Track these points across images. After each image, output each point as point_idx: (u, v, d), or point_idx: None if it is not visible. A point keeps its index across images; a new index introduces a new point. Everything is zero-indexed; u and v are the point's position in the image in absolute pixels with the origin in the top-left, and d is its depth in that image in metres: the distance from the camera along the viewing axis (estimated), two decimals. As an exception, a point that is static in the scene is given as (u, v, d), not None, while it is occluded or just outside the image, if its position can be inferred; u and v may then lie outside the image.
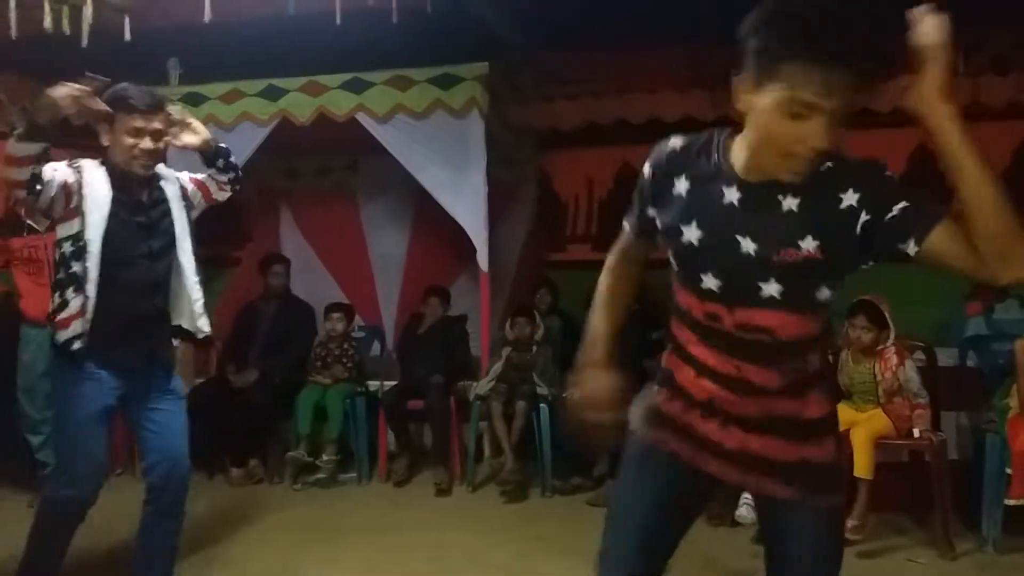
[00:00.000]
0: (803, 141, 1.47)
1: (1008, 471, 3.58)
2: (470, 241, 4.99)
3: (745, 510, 3.76)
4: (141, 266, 2.77)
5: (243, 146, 5.30)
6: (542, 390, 4.74)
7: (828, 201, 1.52)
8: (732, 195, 1.62)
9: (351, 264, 6.45)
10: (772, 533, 1.81)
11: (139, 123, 2.75)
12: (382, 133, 5.08)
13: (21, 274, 4.69)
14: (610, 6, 4.44)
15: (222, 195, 3.15)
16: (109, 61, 4.53)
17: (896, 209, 1.49)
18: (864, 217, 1.51)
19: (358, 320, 5.49)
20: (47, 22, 3.72)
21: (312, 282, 6.23)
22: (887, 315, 3.88)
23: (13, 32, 3.82)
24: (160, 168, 2.91)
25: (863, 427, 3.75)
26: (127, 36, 3.88)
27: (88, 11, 3.71)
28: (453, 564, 3.56)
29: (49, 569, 2.87)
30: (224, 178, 3.10)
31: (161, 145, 2.83)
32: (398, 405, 4.93)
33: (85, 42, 3.76)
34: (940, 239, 1.46)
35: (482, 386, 4.80)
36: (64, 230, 2.74)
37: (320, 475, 4.80)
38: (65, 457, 2.83)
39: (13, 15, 3.75)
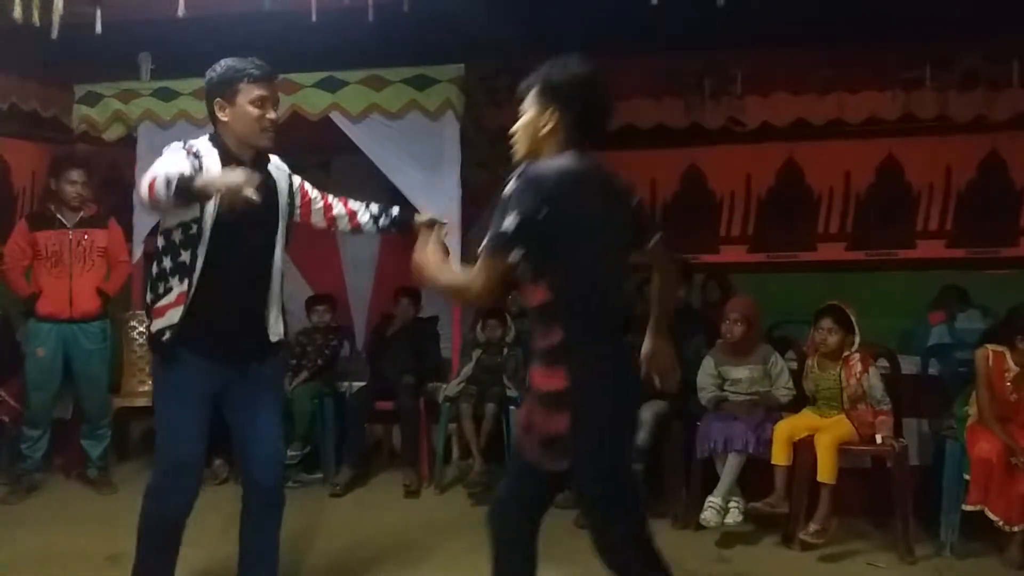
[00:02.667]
0: None
1: (966, 477, 3.66)
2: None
3: (710, 513, 3.80)
4: (245, 255, 2.69)
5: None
6: (512, 392, 4.75)
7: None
8: None
9: (322, 263, 6.40)
10: None
11: (263, 91, 2.67)
12: (356, 133, 5.06)
13: (41, 269, 4.67)
14: (587, 13, 4.48)
15: (325, 224, 3.16)
16: (80, 54, 4.51)
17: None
18: None
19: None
20: (16, 12, 3.66)
21: (284, 281, 6.18)
22: (853, 319, 3.94)
23: (-20, 22, 3.76)
24: (273, 158, 2.83)
25: (827, 433, 3.81)
26: (98, 29, 3.84)
27: (59, 2, 3.66)
28: (422, 567, 3.56)
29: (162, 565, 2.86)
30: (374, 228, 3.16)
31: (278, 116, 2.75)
32: (367, 406, 4.91)
33: (55, 34, 3.71)
34: None
35: (452, 388, 4.81)
36: (173, 218, 2.61)
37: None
38: (164, 449, 2.76)
39: (-18, 5, 3.70)
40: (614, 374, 2.16)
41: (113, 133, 5.46)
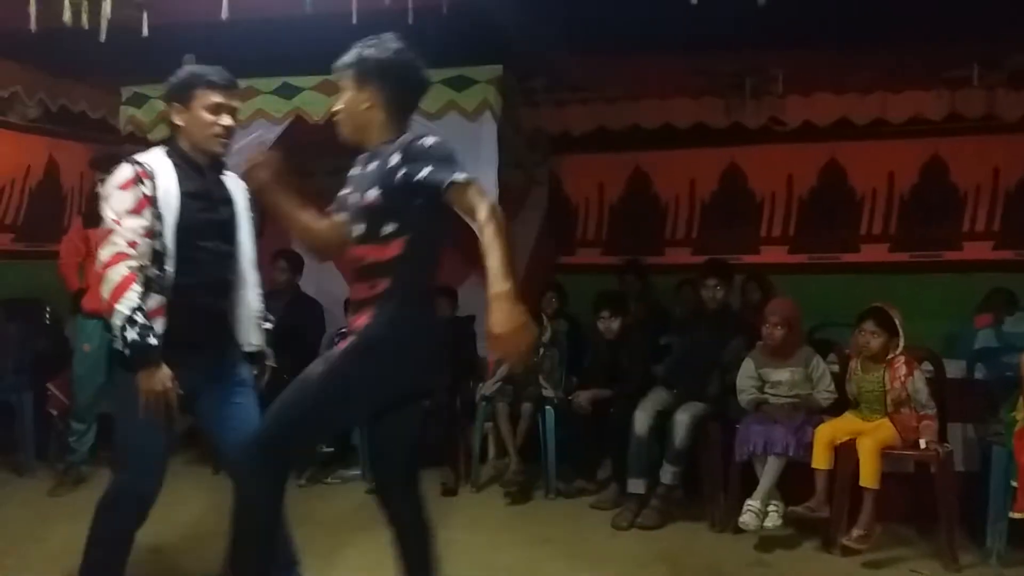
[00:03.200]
0: None
1: (1014, 484, 3.56)
2: (479, 243, 5.00)
3: (748, 517, 3.76)
4: (210, 263, 2.71)
5: (256, 143, 5.35)
6: (547, 392, 4.75)
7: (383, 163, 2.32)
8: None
9: (360, 264, 6.46)
10: None
11: (218, 99, 2.71)
12: (395, 133, 5.09)
13: (91, 266, 4.79)
14: (625, 12, 4.46)
15: None
16: (126, 56, 4.60)
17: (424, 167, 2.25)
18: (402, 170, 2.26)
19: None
20: (66, 16, 3.75)
21: (322, 280, 6.24)
22: (896, 321, 3.87)
23: (32, 25, 3.85)
24: (229, 171, 2.86)
25: (870, 436, 3.75)
26: (145, 32, 3.92)
27: (107, 6, 3.74)
28: (458, 565, 3.55)
29: (111, 570, 2.83)
30: None
31: (235, 124, 2.78)
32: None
33: (103, 37, 3.79)
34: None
35: (488, 387, 4.82)
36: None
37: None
38: (126, 450, 2.79)
39: (33, 8, 3.79)
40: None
41: (158, 133, 5.54)
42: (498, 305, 2.17)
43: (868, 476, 3.67)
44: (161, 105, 5.39)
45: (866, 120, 5.73)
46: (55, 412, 4.98)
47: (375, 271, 2.36)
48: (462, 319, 5.33)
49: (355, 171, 2.53)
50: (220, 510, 4.23)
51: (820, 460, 3.78)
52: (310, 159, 6.49)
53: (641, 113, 5.98)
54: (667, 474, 4.13)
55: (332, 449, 4.87)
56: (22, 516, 4.21)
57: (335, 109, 2.52)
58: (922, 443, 3.75)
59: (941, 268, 6.15)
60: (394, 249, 2.34)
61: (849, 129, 5.81)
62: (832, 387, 4.05)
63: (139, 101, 5.49)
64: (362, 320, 2.34)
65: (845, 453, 3.77)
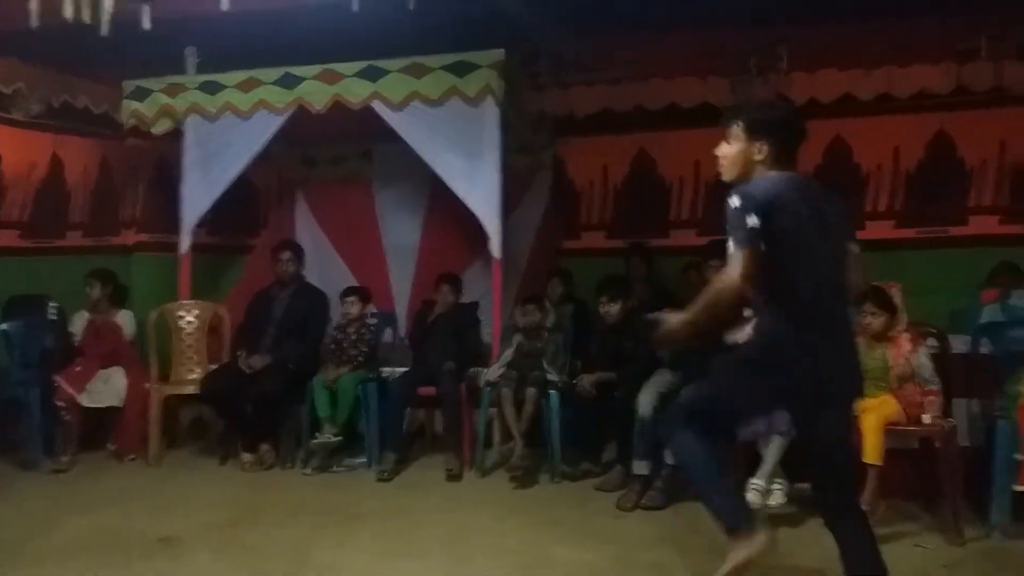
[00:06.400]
0: None
1: (1018, 458, 3.57)
2: (483, 229, 5.02)
3: (753, 495, 3.76)
4: None
5: (259, 134, 5.38)
6: (552, 377, 4.76)
7: None
8: None
9: (365, 251, 6.48)
10: None
11: None
12: (397, 121, 5.11)
13: None
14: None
15: None
16: (128, 50, 4.62)
17: None
18: None
19: (371, 307, 5.52)
20: (67, 11, 3.77)
21: (326, 269, 6.27)
22: (895, 300, 3.86)
23: (33, 22, 3.87)
24: None
25: (874, 413, 3.73)
26: (146, 25, 3.93)
27: (108, 0, 3.75)
28: (467, 549, 3.60)
29: None
30: None
31: None
32: (409, 391, 4.97)
33: (105, 31, 3.81)
34: None
35: (492, 373, 4.83)
36: None
37: (324, 439, 4.83)
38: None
39: (34, 5, 3.82)
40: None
41: (161, 127, 5.60)
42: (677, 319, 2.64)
43: (872, 452, 3.66)
44: (163, 98, 5.46)
45: (871, 96, 5.69)
46: (62, 404, 5.04)
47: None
48: (466, 306, 5.35)
49: None
50: (226, 500, 4.31)
51: (824, 438, 3.77)
52: (313, 148, 6.55)
53: (645, 94, 5.95)
54: (671, 455, 4.14)
55: (340, 438, 4.91)
56: (38, 508, 4.26)
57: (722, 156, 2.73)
58: (926, 419, 3.75)
59: (947, 243, 6.09)
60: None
61: (854, 105, 5.77)
62: (836, 365, 4.04)
63: (141, 95, 5.53)
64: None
65: (849, 431, 3.77)
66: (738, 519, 2.63)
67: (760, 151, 2.59)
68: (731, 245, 2.46)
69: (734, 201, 2.46)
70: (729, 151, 2.68)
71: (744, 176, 2.66)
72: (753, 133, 2.61)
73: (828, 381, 2.55)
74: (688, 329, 2.59)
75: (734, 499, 2.75)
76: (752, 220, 2.40)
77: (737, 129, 2.65)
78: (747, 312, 2.71)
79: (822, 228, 2.51)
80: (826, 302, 2.53)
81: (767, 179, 2.54)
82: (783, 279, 2.49)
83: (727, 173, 2.70)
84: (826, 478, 2.64)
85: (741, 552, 2.57)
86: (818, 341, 2.51)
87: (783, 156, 2.59)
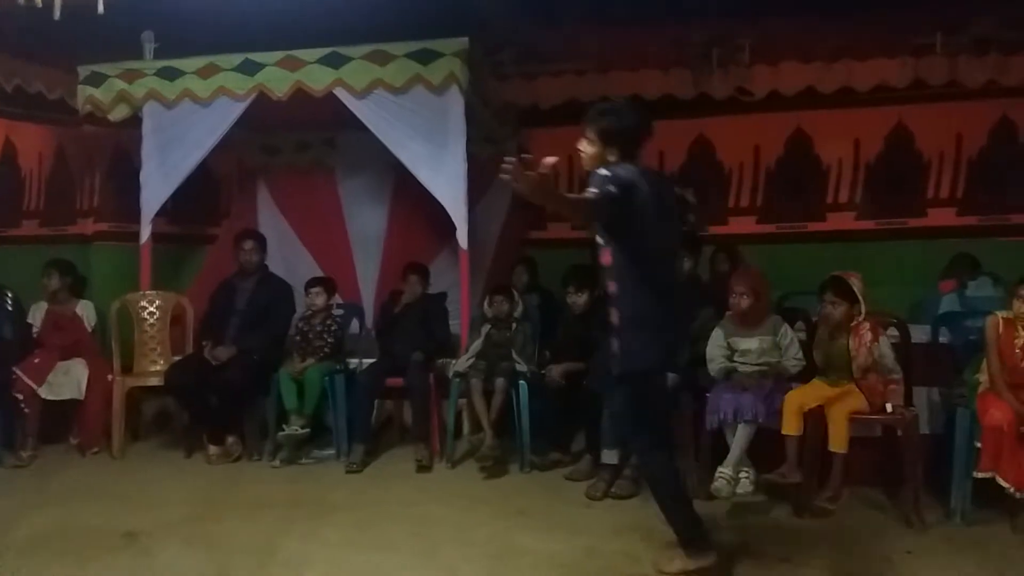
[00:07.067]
0: None
1: (977, 445, 3.66)
2: (450, 218, 4.99)
3: (720, 484, 3.80)
4: None
5: (219, 121, 5.27)
6: (521, 367, 4.76)
7: None
8: None
9: (329, 241, 6.41)
10: None
11: None
12: (360, 108, 5.05)
13: None
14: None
15: None
16: (83, 34, 4.49)
17: None
18: None
19: (336, 298, 5.46)
20: (19, -8, 3.65)
21: (290, 259, 6.19)
22: (855, 289, 3.92)
23: (-16, 4, 3.75)
24: None
25: (838, 402, 3.81)
26: (100, 8, 3.82)
27: (61, -18, 3.65)
28: (436, 540, 3.59)
29: None
30: None
31: None
32: (376, 383, 4.94)
33: (58, 14, 3.70)
34: None
35: (461, 363, 4.82)
36: None
37: (291, 431, 4.77)
38: None
39: (-17, -13, 3.69)
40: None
41: (118, 114, 5.46)
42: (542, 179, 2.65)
43: (837, 441, 3.74)
44: (120, 84, 5.32)
45: (832, 89, 5.77)
46: (21, 396, 4.92)
47: (606, 274, 3.08)
48: (433, 296, 5.32)
49: None
50: (192, 494, 4.25)
51: (790, 426, 3.83)
52: (276, 136, 6.45)
53: (610, 85, 5.96)
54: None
55: (308, 429, 4.86)
56: (1, 503, 4.17)
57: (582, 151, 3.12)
58: (889, 407, 3.82)
59: (906, 235, 6.24)
60: (606, 258, 3.07)
61: (815, 98, 5.85)
62: (800, 355, 4.10)
63: (97, 80, 5.38)
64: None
65: (814, 419, 3.83)
66: (695, 533, 3.10)
67: (612, 153, 3.02)
68: (591, 190, 2.86)
69: (602, 171, 2.90)
70: (588, 150, 3.09)
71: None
72: (606, 141, 3.03)
73: (674, 343, 3.22)
74: (551, 198, 2.77)
75: (694, 513, 3.13)
76: (612, 188, 2.82)
77: (592, 135, 3.07)
78: (611, 288, 3.04)
79: (663, 209, 3.01)
80: (668, 275, 3.10)
81: (623, 167, 2.95)
82: (637, 254, 2.98)
83: (587, 166, 3.09)
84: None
85: (691, 563, 3.07)
86: (667, 310, 3.01)
87: (632, 153, 3.04)
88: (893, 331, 4.11)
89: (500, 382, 4.69)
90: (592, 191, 2.81)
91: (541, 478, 4.55)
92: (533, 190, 2.55)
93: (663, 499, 3.11)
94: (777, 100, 5.91)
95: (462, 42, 4.89)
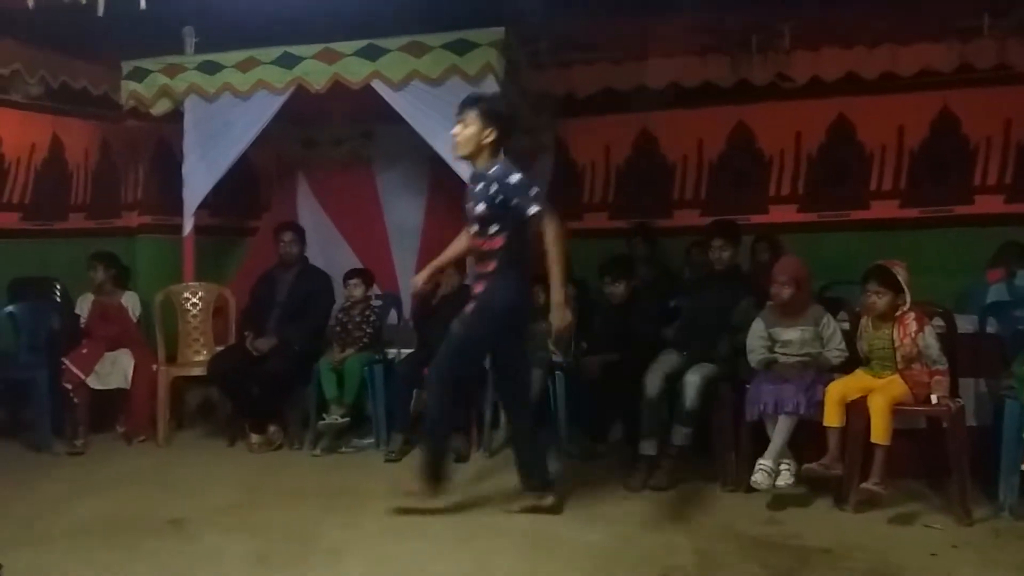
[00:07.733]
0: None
1: (1026, 437, 3.58)
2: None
3: (760, 476, 3.77)
4: None
5: (259, 114, 5.33)
6: (557, 358, 4.75)
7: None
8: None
9: (368, 232, 6.46)
10: None
11: None
12: (397, 100, 5.06)
13: None
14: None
15: None
16: (126, 30, 4.57)
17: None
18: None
19: (375, 289, 5.50)
20: (63, -9, 3.72)
21: (329, 251, 6.25)
22: (900, 279, 3.84)
23: (30, 2, 3.83)
24: None
25: (881, 393, 3.74)
26: (142, 4, 3.88)
27: (104, -20, 3.71)
28: (472, 529, 3.60)
29: None
30: None
31: None
32: (414, 373, 4.96)
33: (101, 11, 3.76)
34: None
35: (499, 354, 4.82)
36: None
37: (331, 420, 4.84)
38: None
39: (30, -15, 3.77)
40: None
41: (160, 108, 5.55)
42: (558, 308, 3.47)
43: (879, 432, 3.67)
44: (162, 78, 5.41)
45: (875, 74, 5.64)
46: (70, 386, 5.03)
47: (488, 256, 3.55)
48: (470, 286, 5.31)
49: (471, 189, 3.59)
50: (235, 482, 4.32)
51: (832, 418, 3.78)
52: (314, 129, 6.51)
53: (647, 73, 5.91)
54: (678, 435, 4.15)
55: (348, 419, 4.91)
56: (49, 490, 4.27)
57: (456, 133, 3.52)
58: (934, 399, 3.74)
59: (952, 223, 6.08)
60: (498, 241, 3.52)
61: (857, 84, 5.73)
62: (843, 345, 4.03)
63: (140, 75, 5.47)
64: (480, 287, 3.60)
65: (856, 410, 3.77)
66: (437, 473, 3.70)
67: (489, 136, 3.30)
68: (534, 206, 3.34)
69: (517, 175, 3.33)
70: (465, 132, 3.35)
71: (475, 155, 3.50)
72: (487, 120, 3.30)
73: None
74: (562, 292, 3.44)
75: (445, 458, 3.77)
76: (535, 189, 3.26)
77: (473, 115, 3.32)
78: (491, 267, 3.51)
79: None
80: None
81: (505, 164, 3.32)
82: (522, 243, 3.49)
83: (461, 150, 3.44)
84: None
85: (420, 487, 3.65)
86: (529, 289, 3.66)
87: (503, 143, 3.33)
88: (938, 321, 4.02)
89: (537, 373, 4.68)
90: (535, 207, 3.37)
91: (578, 469, 4.54)
92: (564, 318, 3.47)
93: (435, 429, 3.68)
94: (818, 86, 5.79)
95: (498, 32, 4.88)
